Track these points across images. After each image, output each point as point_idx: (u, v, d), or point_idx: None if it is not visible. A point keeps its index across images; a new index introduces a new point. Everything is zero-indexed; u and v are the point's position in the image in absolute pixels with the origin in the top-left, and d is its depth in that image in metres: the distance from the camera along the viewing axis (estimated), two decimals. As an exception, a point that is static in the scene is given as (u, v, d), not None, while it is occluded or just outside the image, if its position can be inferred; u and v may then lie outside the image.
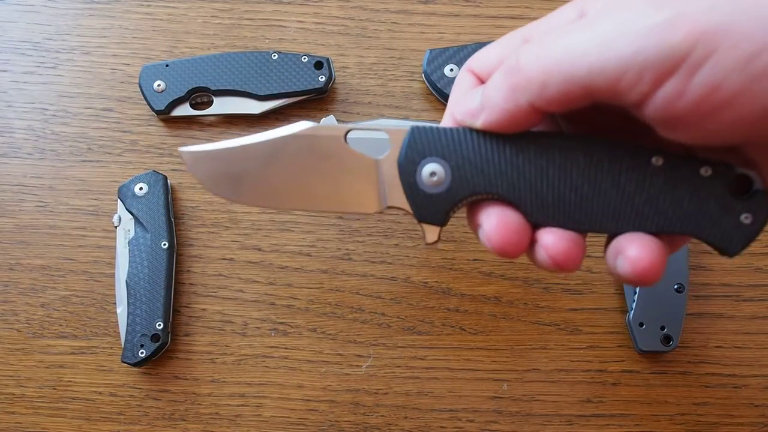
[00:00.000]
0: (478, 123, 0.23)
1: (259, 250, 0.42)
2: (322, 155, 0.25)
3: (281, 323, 0.41)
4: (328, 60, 0.43)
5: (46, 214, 0.43)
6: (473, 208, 0.24)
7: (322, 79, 0.43)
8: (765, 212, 0.22)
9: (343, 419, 0.39)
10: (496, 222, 0.23)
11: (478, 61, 0.25)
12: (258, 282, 0.42)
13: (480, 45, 0.44)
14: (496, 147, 0.23)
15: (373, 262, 0.42)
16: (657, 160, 0.22)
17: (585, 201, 0.23)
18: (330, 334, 0.41)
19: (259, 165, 0.25)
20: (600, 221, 0.23)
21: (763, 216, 0.22)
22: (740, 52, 0.17)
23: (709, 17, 0.17)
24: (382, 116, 0.44)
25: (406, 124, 0.25)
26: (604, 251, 0.23)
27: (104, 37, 0.46)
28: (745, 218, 0.22)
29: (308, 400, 0.40)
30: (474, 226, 0.24)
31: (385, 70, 0.45)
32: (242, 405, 0.40)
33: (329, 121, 0.43)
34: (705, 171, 0.22)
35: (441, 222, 0.24)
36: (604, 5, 0.20)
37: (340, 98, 0.45)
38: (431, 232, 0.25)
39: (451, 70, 0.43)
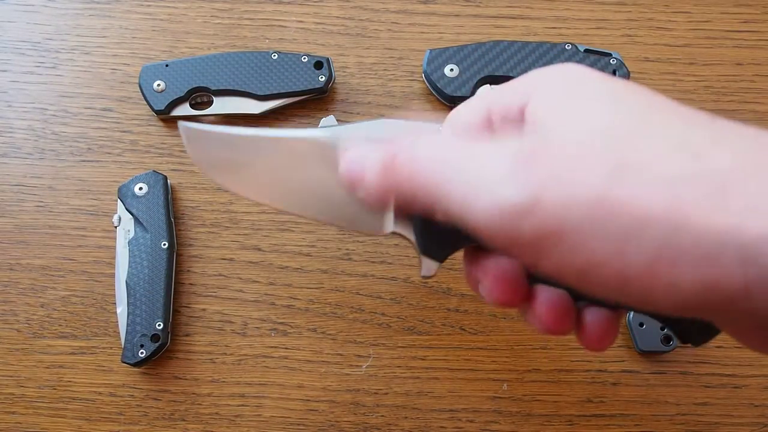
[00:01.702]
0: (359, 193, 0.23)
1: (259, 250, 0.42)
2: (335, 167, 0.24)
3: (281, 323, 0.41)
4: (328, 60, 0.43)
5: (46, 214, 0.43)
6: (471, 255, 0.24)
7: (322, 79, 0.43)
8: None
9: (343, 419, 0.39)
10: (493, 275, 0.23)
11: (453, 115, 0.25)
12: (258, 282, 0.42)
13: (480, 45, 0.44)
14: None
15: (373, 262, 0.42)
16: None
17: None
18: (330, 334, 0.41)
19: (266, 160, 0.24)
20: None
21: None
22: (579, 259, 0.17)
23: (561, 218, 0.17)
24: (382, 116, 0.44)
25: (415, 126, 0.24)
26: None
27: (104, 37, 0.46)
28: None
29: (308, 400, 0.40)
30: (472, 278, 0.24)
31: (385, 70, 0.45)
32: (242, 405, 0.40)
33: (329, 121, 0.43)
34: None
35: (442, 259, 0.24)
36: (483, 150, 0.19)
37: (340, 98, 0.45)
38: (429, 267, 0.24)
39: (451, 70, 0.43)
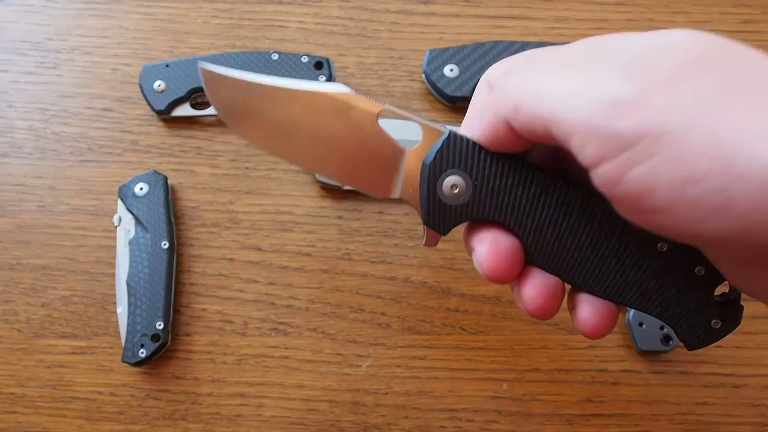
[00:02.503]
0: (477, 134, 0.23)
1: (259, 250, 0.42)
2: (350, 125, 0.24)
3: (281, 323, 0.41)
4: (328, 60, 0.43)
5: (47, 214, 0.43)
6: (473, 226, 0.24)
7: (323, 79, 0.43)
8: (734, 325, 0.23)
9: (343, 419, 0.40)
10: (488, 248, 0.23)
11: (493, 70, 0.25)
12: (258, 282, 0.42)
13: (480, 45, 0.44)
14: (523, 182, 0.23)
15: (373, 262, 0.42)
16: (662, 246, 0.22)
17: (584, 262, 0.23)
18: (330, 334, 0.41)
19: (282, 110, 0.24)
20: (589, 282, 0.23)
21: (731, 327, 0.23)
22: (679, 170, 0.16)
23: (664, 117, 0.16)
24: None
25: (442, 126, 0.24)
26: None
27: (105, 37, 0.46)
28: (715, 324, 0.23)
29: (308, 399, 0.40)
30: (468, 245, 0.25)
31: (385, 70, 0.45)
32: (242, 405, 0.40)
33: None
34: (699, 270, 0.22)
35: (444, 232, 0.24)
36: (588, 51, 0.19)
37: (340, 98, 0.45)
38: (432, 237, 0.25)
39: (451, 70, 0.43)
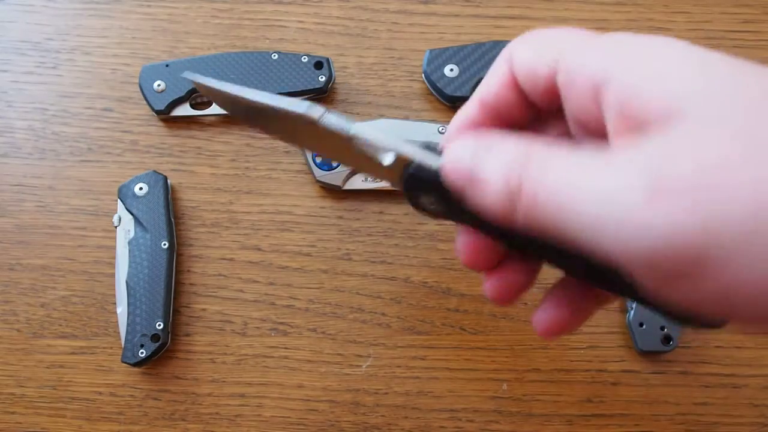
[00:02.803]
0: (467, 195, 0.21)
1: (259, 250, 0.42)
2: (325, 138, 0.24)
3: (281, 323, 0.41)
4: (328, 60, 0.43)
5: (47, 214, 0.43)
6: None
7: (322, 79, 0.43)
8: None
9: (343, 419, 0.40)
10: (465, 239, 0.23)
11: (517, 50, 0.22)
12: (258, 282, 0.42)
13: (480, 45, 0.44)
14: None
15: (373, 262, 0.42)
16: None
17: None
18: (330, 334, 0.41)
19: (264, 117, 0.25)
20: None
21: None
22: (723, 283, 0.15)
23: (706, 243, 0.15)
24: (382, 116, 0.44)
25: (414, 150, 0.23)
26: None
27: (104, 37, 0.46)
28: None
29: (308, 400, 0.40)
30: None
31: (385, 70, 0.45)
32: (242, 405, 0.40)
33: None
34: None
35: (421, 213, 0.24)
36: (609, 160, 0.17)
37: (340, 98, 0.45)
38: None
39: (451, 70, 0.43)
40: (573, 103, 0.20)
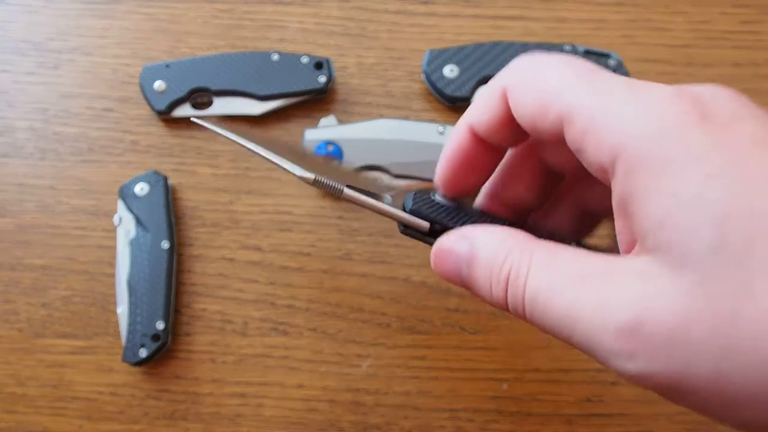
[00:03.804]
0: (461, 279, 0.22)
1: (259, 250, 0.42)
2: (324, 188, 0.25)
3: (281, 323, 0.41)
4: (328, 60, 0.44)
5: (47, 214, 0.43)
6: None
7: (322, 79, 0.43)
8: None
9: (343, 419, 0.40)
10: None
11: (516, 91, 0.21)
12: (258, 282, 0.42)
13: (480, 45, 0.44)
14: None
15: (373, 262, 0.42)
16: None
17: None
18: (330, 334, 0.41)
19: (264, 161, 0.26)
20: None
21: None
22: (709, 407, 0.16)
23: (680, 384, 0.16)
24: (382, 117, 0.44)
25: (396, 213, 0.24)
26: None
27: (105, 37, 0.46)
28: None
29: (308, 399, 0.40)
30: None
31: (385, 70, 0.46)
32: (242, 404, 0.40)
33: (329, 121, 0.43)
34: None
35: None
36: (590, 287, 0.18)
37: (340, 98, 0.45)
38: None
39: (451, 70, 0.44)
40: (586, 161, 0.19)
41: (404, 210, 0.24)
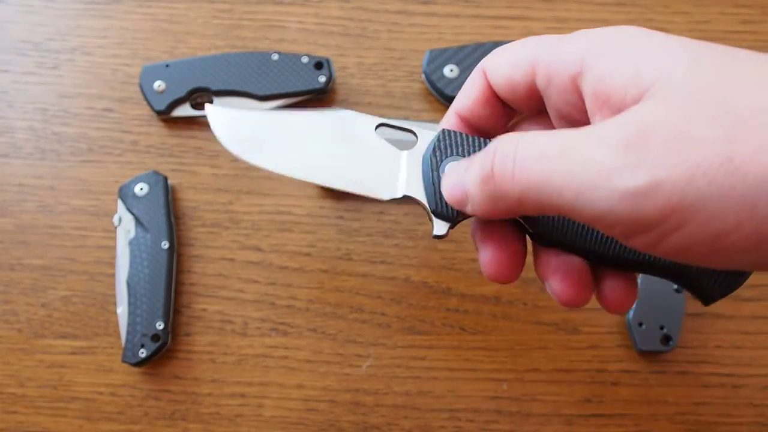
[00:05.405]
0: (468, 210, 0.23)
1: (259, 250, 0.42)
2: (352, 137, 0.26)
3: (281, 323, 0.41)
4: (328, 60, 0.43)
5: (47, 214, 0.43)
6: (480, 225, 0.25)
7: (322, 79, 0.43)
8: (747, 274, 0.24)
9: (343, 419, 0.40)
10: (490, 256, 0.24)
11: (492, 64, 0.24)
12: (258, 282, 0.42)
13: (479, 46, 0.44)
14: None
15: (373, 262, 0.42)
16: None
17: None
18: (330, 334, 0.41)
19: (285, 134, 0.27)
20: (614, 256, 0.24)
21: (745, 275, 0.24)
22: (710, 230, 0.16)
23: (684, 193, 0.16)
24: (382, 116, 0.44)
25: (433, 128, 0.26)
26: None
27: (105, 37, 0.46)
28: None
29: (308, 399, 0.40)
30: (476, 243, 0.25)
31: (385, 70, 0.46)
32: (242, 405, 0.40)
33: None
34: None
35: (452, 221, 0.25)
36: (577, 135, 0.19)
37: (340, 98, 0.45)
38: (441, 227, 0.25)
39: (451, 70, 0.44)
40: (555, 99, 0.22)
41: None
